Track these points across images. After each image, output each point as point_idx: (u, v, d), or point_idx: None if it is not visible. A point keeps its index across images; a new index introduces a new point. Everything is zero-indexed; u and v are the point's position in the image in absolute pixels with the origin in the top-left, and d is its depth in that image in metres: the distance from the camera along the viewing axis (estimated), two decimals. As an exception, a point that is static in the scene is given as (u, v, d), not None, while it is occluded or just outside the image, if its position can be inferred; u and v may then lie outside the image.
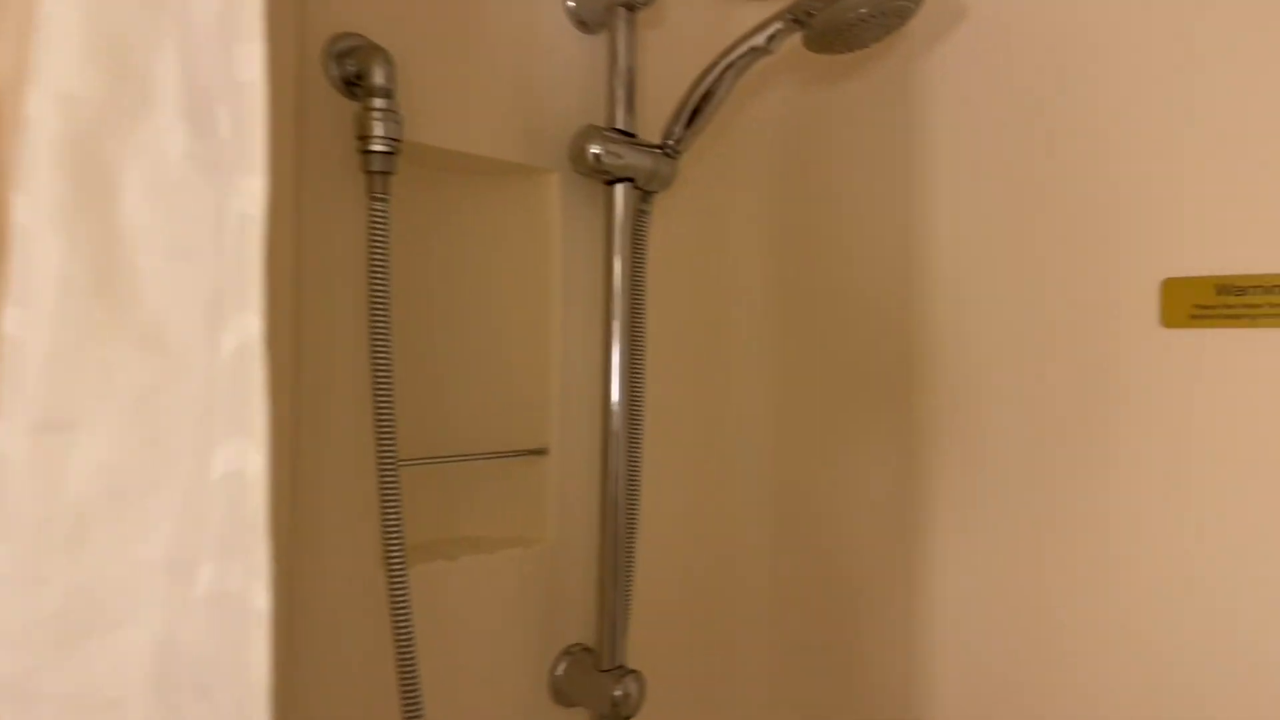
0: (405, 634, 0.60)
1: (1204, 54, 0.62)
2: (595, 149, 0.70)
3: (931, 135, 0.75)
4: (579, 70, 0.76)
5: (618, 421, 0.73)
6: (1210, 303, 0.62)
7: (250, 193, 0.34)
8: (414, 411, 0.72)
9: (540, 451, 0.74)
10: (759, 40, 0.71)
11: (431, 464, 0.71)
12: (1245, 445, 0.61)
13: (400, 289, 0.71)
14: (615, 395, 0.73)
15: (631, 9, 0.72)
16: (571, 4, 0.73)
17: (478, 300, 0.76)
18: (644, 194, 0.75)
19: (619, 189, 0.72)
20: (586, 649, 0.75)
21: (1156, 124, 0.64)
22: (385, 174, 0.60)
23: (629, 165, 0.72)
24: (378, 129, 0.59)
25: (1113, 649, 0.66)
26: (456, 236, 0.75)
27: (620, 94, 0.73)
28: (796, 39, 0.84)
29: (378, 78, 0.59)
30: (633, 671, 0.73)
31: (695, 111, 0.74)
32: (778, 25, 0.70)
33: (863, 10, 0.64)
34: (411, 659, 0.60)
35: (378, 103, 0.59)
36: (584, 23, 0.75)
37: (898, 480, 0.77)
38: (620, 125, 0.73)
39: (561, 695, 0.74)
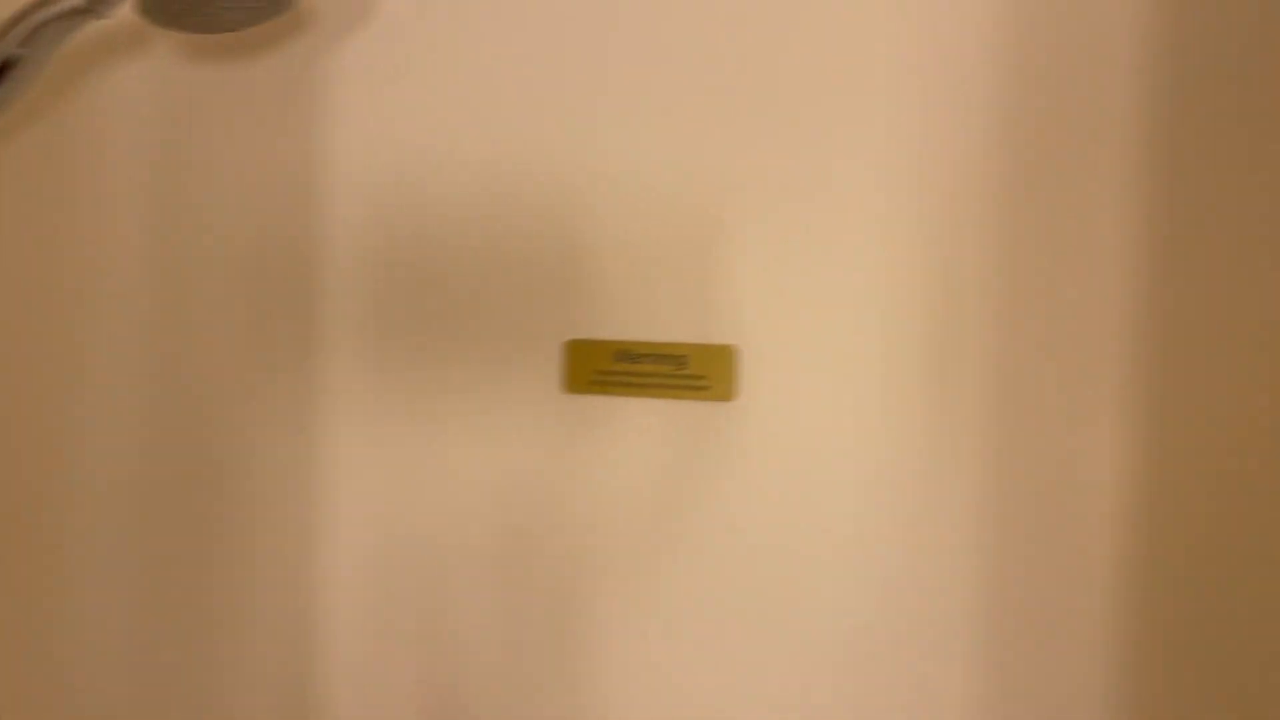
0: None
1: (621, 108, 0.59)
2: None
3: (332, 138, 0.63)
4: None
5: None
6: (610, 368, 0.59)
7: None
8: None
9: None
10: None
11: None
12: (626, 519, 0.59)
13: None
14: None
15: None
16: None
17: None
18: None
19: None
20: None
21: (567, 172, 0.60)
22: None
23: None
24: None
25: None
26: None
27: None
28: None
29: None
30: None
31: (-7, 81, 0.53)
32: (104, -17, 0.52)
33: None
34: None
35: None
36: None
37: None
38: None
39: None
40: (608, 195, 0.59)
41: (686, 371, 0.57)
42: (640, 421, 0.58)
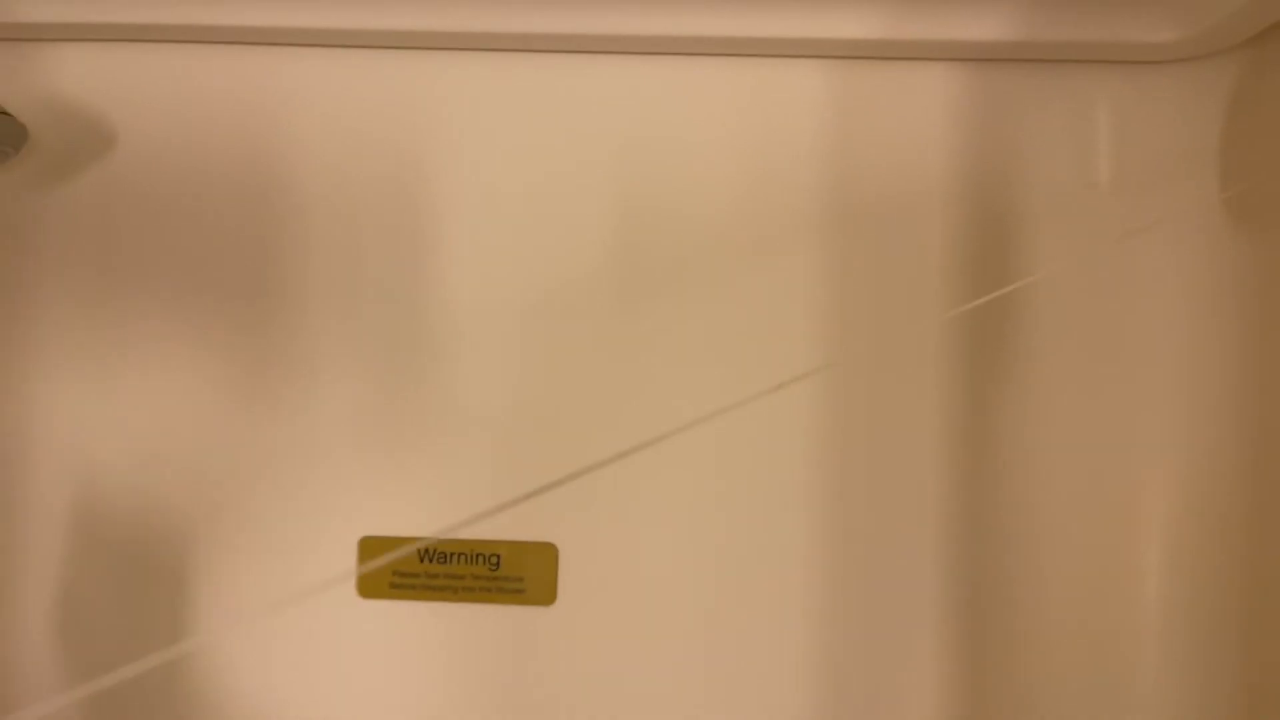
0: None
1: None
2: None
3: (45, 292, 0.53)
4: None
5: None
6: (413, 570, 0.52)
7: None
8: None
9: None
10: None
11: None
12: None
13: None
14: None
15: None
16: None
17: None
18: None
19: None
20: None
21: (353, 337, 0.53)
22: None
23: None
24: None
25: None
26: None
27: None
28: None
29: None
30: None
31: None
32: None
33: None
34: None
35: None
36: None
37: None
38: None
39: None
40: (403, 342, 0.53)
41: (500, 573, 0.52)
42: (447, 628, 0.52)
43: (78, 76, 0.53)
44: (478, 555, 0.52)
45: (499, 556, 0.52)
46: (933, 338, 0.53)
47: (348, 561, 0.52)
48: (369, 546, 0.52)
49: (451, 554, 0.52)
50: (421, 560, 0.51)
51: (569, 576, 0.52)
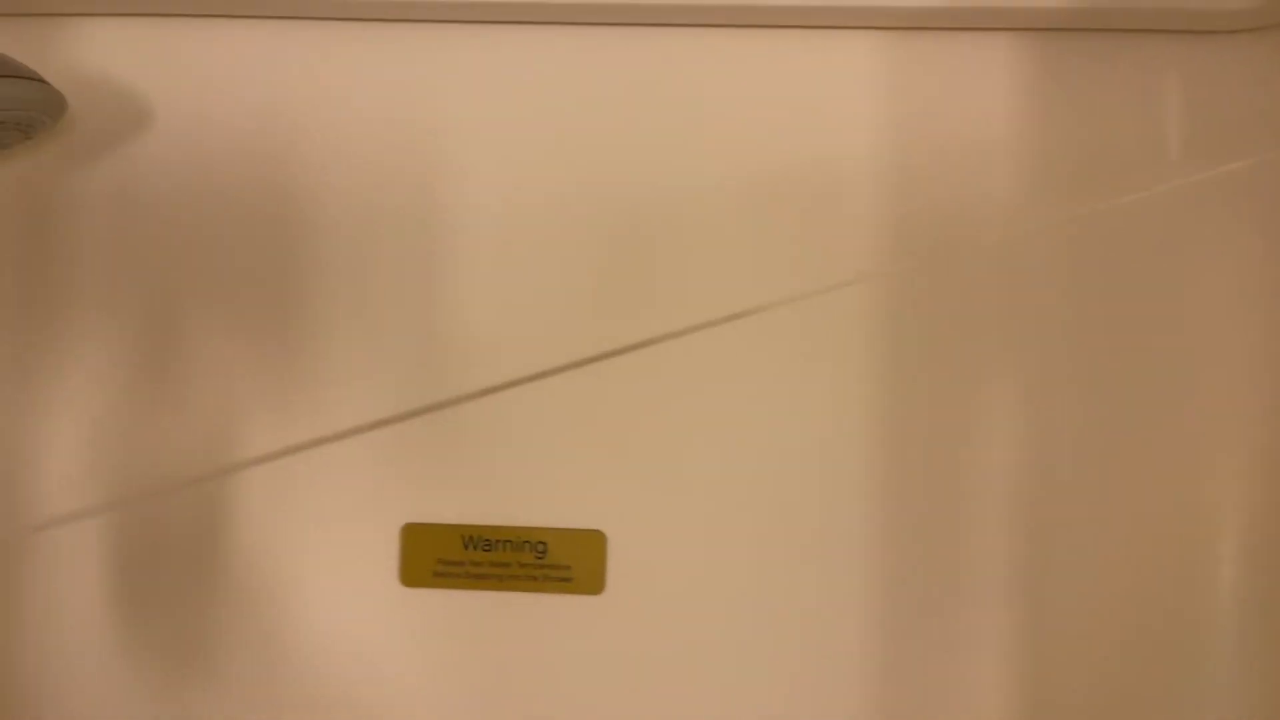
0: None
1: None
2: None
3: (77, 271, 0.51)
4: None
5: None
6: (456, 558, 0.50)
7: None
8: None
9: None
10: None
11: None
12: None
13: None
14: None
15: None
16: None
17: None
18: None
19: None
20: None
21: (391, 317, 0.51)
22: None
23: None
24: None
25: None
26: None
27: None
28: None
29: None
30: None
31: None
32: None
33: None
34: None
35: None
36: None
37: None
38: None
39: None
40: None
41: (546, 561, 0.50)
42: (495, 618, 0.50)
43: (115, 52, 0.52)
44: (524, 543, 0.50)
45: (545, 544, 0.50)
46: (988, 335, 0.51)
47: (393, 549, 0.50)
48: (413, 534, 0.50)
49: (496, 541, 0.50)
50: (465, 548, 0.50)
51: (618, 565, 0.50)
